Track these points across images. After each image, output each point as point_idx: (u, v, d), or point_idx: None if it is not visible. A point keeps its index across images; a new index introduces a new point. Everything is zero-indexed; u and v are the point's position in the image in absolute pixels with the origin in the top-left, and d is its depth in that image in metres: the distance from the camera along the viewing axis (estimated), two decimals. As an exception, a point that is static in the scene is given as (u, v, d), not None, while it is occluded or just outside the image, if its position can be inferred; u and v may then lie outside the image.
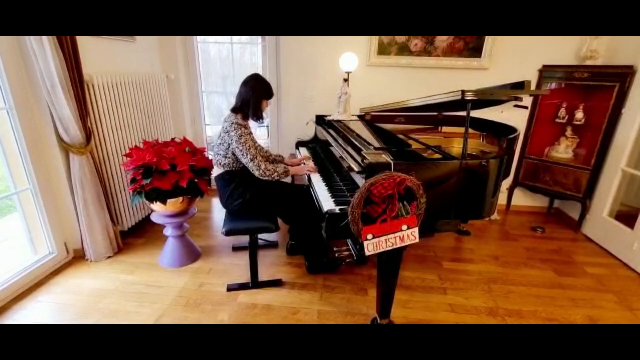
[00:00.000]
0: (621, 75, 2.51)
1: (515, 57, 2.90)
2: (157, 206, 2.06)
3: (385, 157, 1.46)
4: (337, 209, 1.50)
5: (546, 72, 2.88)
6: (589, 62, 2.73)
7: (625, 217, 2.66)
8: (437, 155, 1.73)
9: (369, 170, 1.40)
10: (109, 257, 2.35)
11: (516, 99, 1.46)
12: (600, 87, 2.67)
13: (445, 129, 2.67)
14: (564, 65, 2.80)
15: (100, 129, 2.28)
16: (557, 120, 2.94)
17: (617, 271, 2.37)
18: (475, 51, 2.90)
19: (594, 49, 2.69)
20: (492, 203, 1.61)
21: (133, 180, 1.97)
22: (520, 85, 1.46)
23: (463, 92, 1.34)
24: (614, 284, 2.22)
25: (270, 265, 2.32)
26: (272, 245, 2.55)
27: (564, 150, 2.99)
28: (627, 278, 2.29)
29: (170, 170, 1.98)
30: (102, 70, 2.29)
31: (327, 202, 1.61)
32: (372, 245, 1.42)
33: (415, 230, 1.44)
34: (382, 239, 1.42)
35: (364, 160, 1.44)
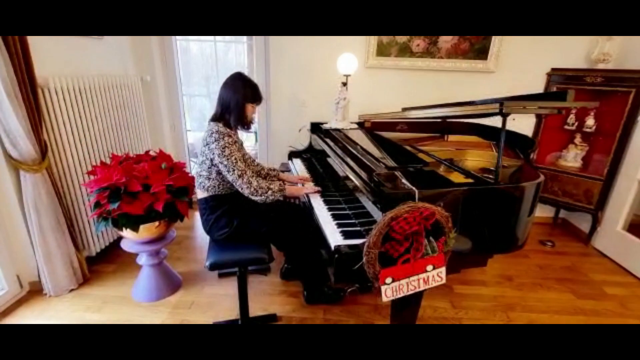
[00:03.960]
0: (638, 80, 2.35)
1: (522, 60, 2.70)
2: (127, 233, 1.75)
3: (406, 184, 1.21)
4: (347, 244, 1.24)
5: (555, 76, 2.70)
6: (601, 66, 2.56)
7: (637, 227, 2.52)
8: (457, 174, 1.49)
9: (387, 201, 1.15)
10: (72, 290, 2.01)
11: (559, 111, 1.24)
12: (613, 93, 2.51)
13: (451, 137, 2.45)
14: (574, 69, 2.62)
15: (60, 142, 1.94)
16: (566, 127, 2.77)
17: (638, 292, 2.20)
18: (481, 53, 2.70)
19: (607, 51, 2.52)
20: (526, 228, 1.38)
21: (97, 205, 1.65)
22: (561, 96, 1.23)
23: (501, 103, 1.10)
24: (638, 307, 2.05)
25: (263, 294, 2.04)
26: (263, 270, 2.26)
27: (572, 158, 2.83)
28: (650, 300, 2.13)
29: (142, 192, 1.67)
30: (61, 72, 1.95)
31: (333, 234, 1.34)
32: (391, 290, 1.17)
33: (442, 270, 1.20)
34: (404, 282, 1.17)
35: (381, 188, 1.19)
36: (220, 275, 2.20)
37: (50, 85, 1.84)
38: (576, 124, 2.73)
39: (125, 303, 1.94)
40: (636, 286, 2.26)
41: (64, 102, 1.94)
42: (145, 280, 1.97)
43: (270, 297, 2.02)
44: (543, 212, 3.17)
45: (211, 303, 1.96)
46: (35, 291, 1.98)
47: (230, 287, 2.08)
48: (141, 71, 2.74)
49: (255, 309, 1.89)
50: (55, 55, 1.97)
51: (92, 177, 1.76)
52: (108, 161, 1.90)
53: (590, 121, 2.67)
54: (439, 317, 1.91)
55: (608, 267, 2.49)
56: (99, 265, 2.26)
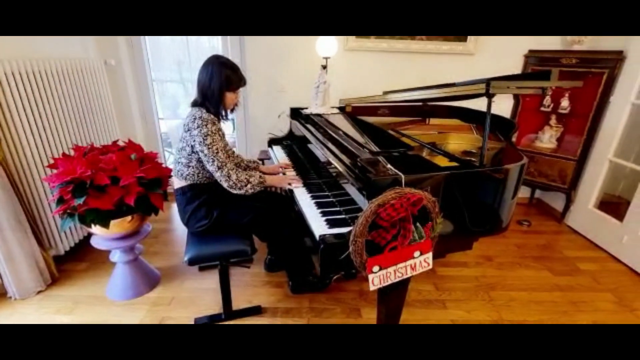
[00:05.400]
0: (610, 62, 2.40)
1: (501, 42, 2.70)
2: (97, 230, 1.63)
3: (391, 169, 1.17)
4: (332, 233, 1.20)
5: (532, 57, 2.72)
6: (576, 47, 2.59)
7: (606, 204, 2.63)
8: (441, 158, 1.47)
9: (373, 187, 1.10)
10: (40, 291, 1.88)
11: (543, 91, 1.23)
12: (587, 74, 2.55)
13: (433, 121, 2.43)
14: (551, 51, 2.65)
15: (14, 132, 1.76)
16: (542, 108, 2.82)
17: (608, 266, 2.31)
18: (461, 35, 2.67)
19: (581, 33, 2.55)
20: (510, 210, 1.39)
21: (60, 200, 1.52)
22: (544, 76, 1.22)
23: (488, 83, 1.07)
24: (608, 280, 2.15)
25: (246, 286, 1.99)
26: (246, 261, 2.20)
27: (547, 139, 2.89)
28: (619, 273, 2.24)
29: (111, 185, 1.55)
30: (10, 55, 1.75)
31: (317, 223, 1.30)
32: (378, 279, 1.14)
33: (429, 256, 1.18)
34: (391, 269, 1.15)
35: (366, 174, 1.14)
36: (201, 269, 2.13)
37: (-1, 69, 1.66)
38: (552, 105, 2.78)
39: (99, 303, 1.83)
40: (607, 260, 2.37)
41: (16, 88, 1.75)
42: (120, 278, 1.86)
43: (254, 289, 1.98)
44: (519, 192, 3.25)
45: (192, 298, 1.89)
46: (-2, 295, 1.84)
47: (212, 280, 2.01)
48: (104, 54, 2.53)
49: (239, 302, 1.83)
50: (4, 37, 1.76)
51: (53, 170, 1.62)
52: (71, 153, 1.75)
53: (564, 102, 2.72)
54: (423, 299, 1.93)
55: (580, 243, 2.59)
56: (69, 264, 2.12)
